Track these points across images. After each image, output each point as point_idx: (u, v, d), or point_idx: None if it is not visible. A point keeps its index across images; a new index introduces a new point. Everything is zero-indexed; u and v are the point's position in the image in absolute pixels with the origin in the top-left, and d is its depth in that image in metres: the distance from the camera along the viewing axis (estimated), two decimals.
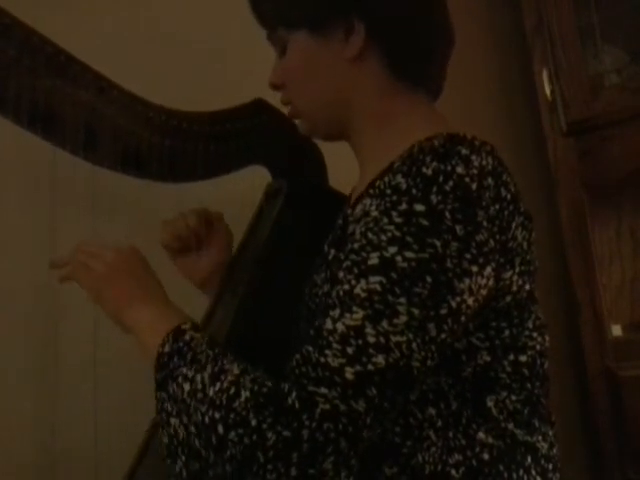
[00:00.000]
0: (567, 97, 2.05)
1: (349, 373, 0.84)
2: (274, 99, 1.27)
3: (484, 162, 0.96)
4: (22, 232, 1.54)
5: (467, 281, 0.90)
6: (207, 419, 0.87)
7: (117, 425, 1.42)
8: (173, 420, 0.93)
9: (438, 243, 0.88)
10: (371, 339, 0.85)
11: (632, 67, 2.12)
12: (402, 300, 0.86)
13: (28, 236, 1.54)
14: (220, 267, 1.42)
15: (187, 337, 1.00)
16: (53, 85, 1.14)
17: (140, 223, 1.32)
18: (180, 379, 0.94)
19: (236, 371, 0.91)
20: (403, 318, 0.86)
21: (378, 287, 0.87)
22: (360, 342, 0.85)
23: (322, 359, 0.86)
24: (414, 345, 0.86)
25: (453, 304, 0.89)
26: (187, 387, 0.92)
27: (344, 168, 1.30)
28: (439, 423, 0.97)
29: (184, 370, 0.95)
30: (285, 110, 1.27)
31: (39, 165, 1.31)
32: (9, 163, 1.32)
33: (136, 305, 1.11)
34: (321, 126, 1.21)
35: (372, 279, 0.88)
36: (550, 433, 1.05)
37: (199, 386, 0.91)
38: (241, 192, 1.42)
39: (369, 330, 0.85)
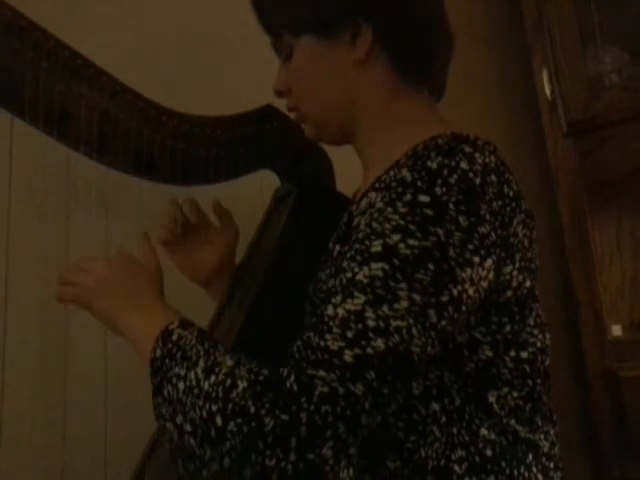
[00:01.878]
0: (567, 97, 2.05)
1: (348, 356, 0.84)
2: (283, 104, 1.28)
3: (487, 160, 0.98)
4: (35, 234, 1.54)
5: (468, 271, 0.91)
6: (205, 413, 0.87)
7: (127, 426, 1.43)
8: (168, 425, 0.93)
9: (441, 232, 0.90)
10: (371, 323, 0.85)
11: (632, 67, 2.11)
12: (403, 285, 0.87)
13: (41, 238, 1.54)
14: (225, 265, 1.43)
15: (174, 337, 0.99)
16: (68, 88, 1.14)
17: (152, 226, 1.33)
18: (174, 379, 0.94)
19: (229, 363, 0.91)
20: (404, 303, 0.87)
21: (380, 273, 0.88)
22: (360, 326, 0.86)
23: (322, 343, 0.86)
24: (414, 330, 0.87)
25: (454, 292, 0.90)
26: (181, 385, 0.92)
27: (351, 172, 1.31)
28: (443, 419, 0.98)
29: (176, 370, 0.94)
30: (291, 116, 1.27)
31: (53, 167, 1.31)
32: (23, 165, 1.32)
33: (126, 314, 1.10)
34: (328, 129, 1.22)
35: (374, 265, 0.89)
36: (552, 432, 1.06)
37: (193, 382, 0.91)
38: (250, 196, 1.43)
39: (369, 314, 0.86)
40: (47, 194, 1.53)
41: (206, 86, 1.76)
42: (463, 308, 0.92)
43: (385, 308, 0.86)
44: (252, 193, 1.43)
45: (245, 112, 1.35)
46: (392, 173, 1.02)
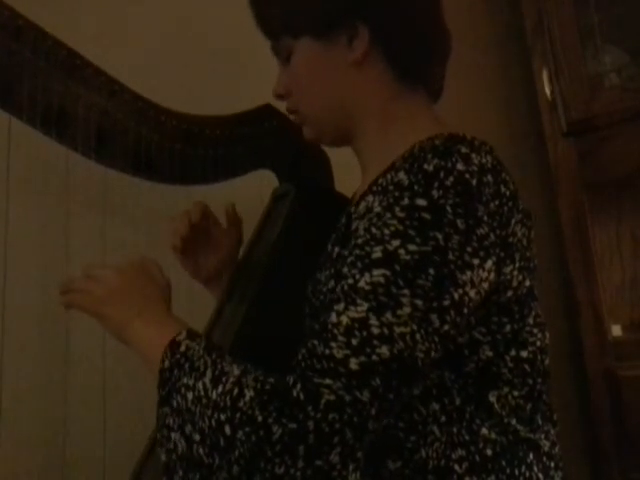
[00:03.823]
0: (567, 97, 2.05)
1: (354, 364, 0.85)
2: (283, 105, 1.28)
3: (483, 160, 0.98)
4: (35, 235, 1.54)
5: (469, 273, 0.91)
6: (213, 422, 0.87)
7: (126, 429, 1.43)
8: (173, 435, 0.93)
9: (440, 236, 0.90)
10: (375, 330, 0.86)
11: (632, 67, 2.11)
12: (405, 292, 0.87)
13: (41, 239, 1.54)
14: (226, 266, 1.44)
15: (182, 348, 1.00)
16: (66, 87, 1.15)
17: (150, 225, 1.33)
18: (183, 390, 0.94)
19: (236, 372, 0.92)
20: (407, 309, 0.87)
21: (382, 279, 0.88)
22: (364, 333, 0.86)
23: (327, 351, 0.86)
24: (418, 336, 0.87)
25: (455, 296, 0.90)
26: (190, 395, 0.92)
27: (350, 172, 1.31)
28: (443, 418, 0.97)
29: (185, 380, 0.95)
30: (291, 118, 1.27)
31: (52, 168, 1.31)
32: (22, 165, 1.32)
33: (134, 325, 1.09)
34: (328, 131, 1.22)
35: (376, 272, 0.89)
36: (552, 432, 1.06)
37: (202, 392, 0.91)
38: (249, 196, 1.43)
39: (373, 322, 0.86)
40: (46, 194, 1.53)
41: (205, 86, 1.76)
42: (465, 311, 0.92)
43: (388, 315, 0.86)
44: (251, 193, 1.43)
45: (244, 112, 1.36)
46: (389, 176, 1.02)
